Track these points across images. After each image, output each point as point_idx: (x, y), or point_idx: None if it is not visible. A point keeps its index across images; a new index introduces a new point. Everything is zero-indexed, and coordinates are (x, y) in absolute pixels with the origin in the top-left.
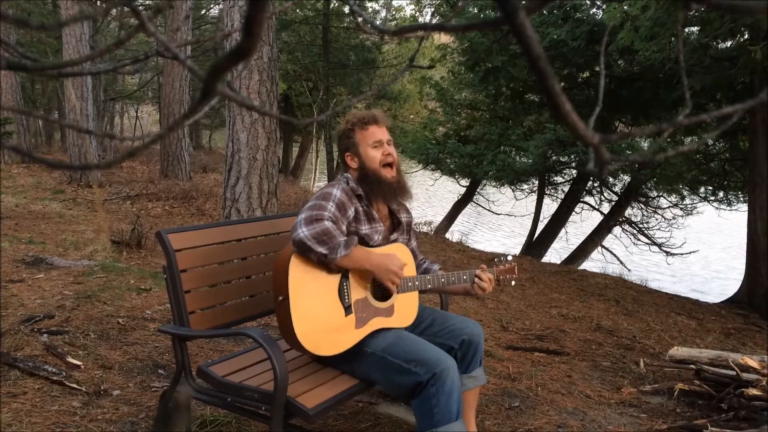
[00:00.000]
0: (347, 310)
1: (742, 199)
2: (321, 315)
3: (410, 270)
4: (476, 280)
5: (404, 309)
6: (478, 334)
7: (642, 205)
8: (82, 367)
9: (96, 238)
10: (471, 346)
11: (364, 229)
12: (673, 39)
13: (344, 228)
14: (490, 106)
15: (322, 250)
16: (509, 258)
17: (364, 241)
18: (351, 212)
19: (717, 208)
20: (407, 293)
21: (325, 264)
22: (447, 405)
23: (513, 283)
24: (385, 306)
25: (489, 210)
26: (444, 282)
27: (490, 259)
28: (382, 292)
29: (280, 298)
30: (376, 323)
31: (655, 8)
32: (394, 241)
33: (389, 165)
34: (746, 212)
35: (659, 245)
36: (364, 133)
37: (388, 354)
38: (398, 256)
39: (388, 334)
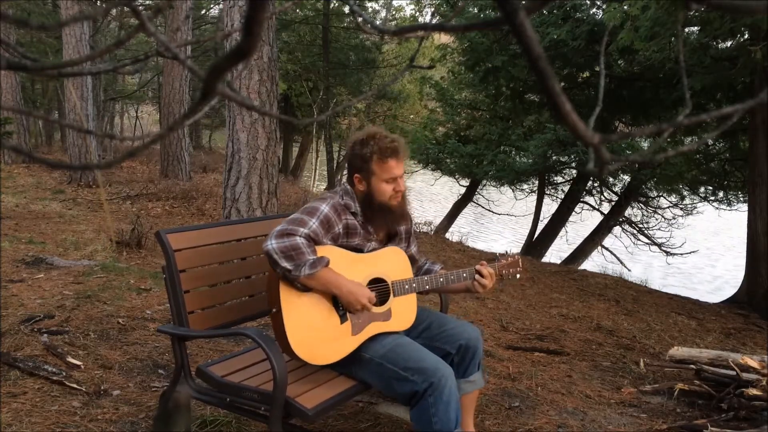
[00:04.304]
0: (342, 317)
1: (742, 199)
2: (316, 324)
3: (406, 272)
4: (476, 276)
5: (402, 312)
6: (476, 339)
7: (642, 205)
8: (82, 367)
9: (96, 238)
10: (468, 352)
11: (357, 240)
12: (673, 39)
13: (327, 244)
14: (490, 106)
15: (287, 265)
16: (512, 252)
17: (359, 249)
18: (338, 228)
19: (717, 208)
20: (405, 296)
21: (289, 280)
22: (446, 414)
23: (518, 276)
24: (381, 310)
25: (489, 210)
26: (443, 282)
27: (491, 258)
28: (379, 297)
29: (274, 309)
30: (374, 328)
31: (655, 8)
32: None
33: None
34: (746, 212)
35: (659, 245)
36: (381, 166)
37: (386, 361)
38: (369, 292)
39: (386, 341)
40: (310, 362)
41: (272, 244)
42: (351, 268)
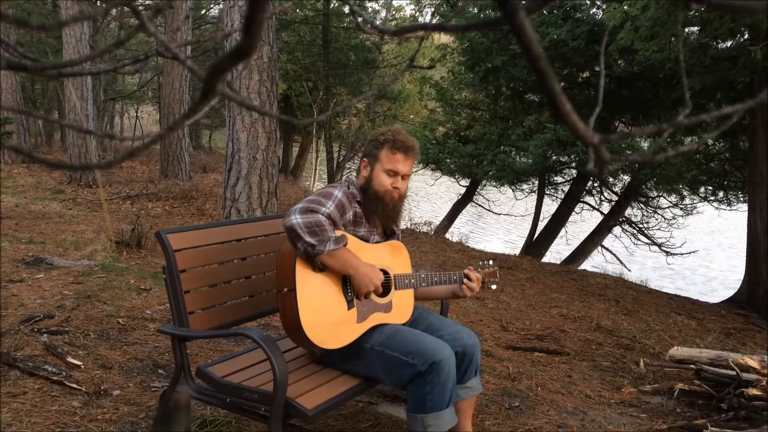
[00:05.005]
0: (350, 303)
1: (742, 199)
2: (326, 308)
3: (407, 267)
4: (465, 280)
5: (401, 306)
6: (473, 345)
7: (642, 205)
8: (82, 367)
9: (96, 238)
10: (465, 358)
11: (362, 231)
12: (673, 39)
13: (341, 228)
14: (490, 106)
15: (311, 240)
16: (490, 262)
17: (364, 239)
18: (349, 215)
19: (717, 208)
20: (404, 290)
21: (309, 256)
22: (440, 394)
23: (494, 287)
24: (384, 302)
25: (489, 210)
26: (436, 281)
27: (492, 258)
28: (382, 288)
29: (286, 289)
30: (376, 318)
31: (655, 8)
32: None
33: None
34: (746, 212)
35: (659, 245)
36: (388, 156)
37: (387, 348)
38: (381, 275)
39: (385, 329)
40: (320, 345)
41: (297, 218)
42: (359, 255)
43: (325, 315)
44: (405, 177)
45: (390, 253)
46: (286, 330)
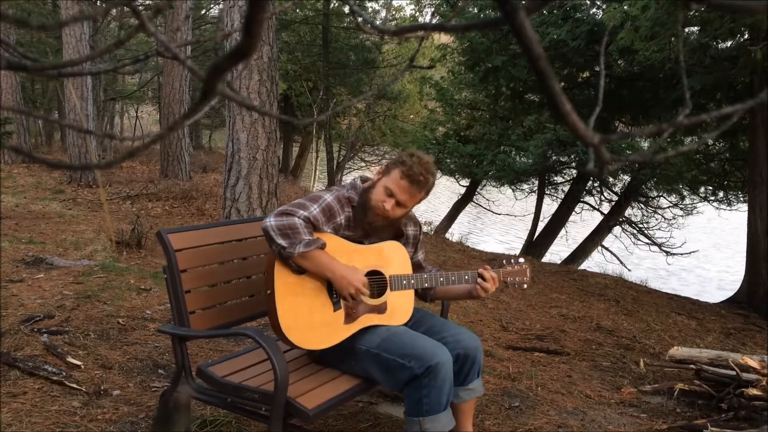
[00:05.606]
0: (336, 305)
1: (742, 199)
2: (308, 309)
3: (405, 268)
4: (479, 280)
5: (398, 307)
6: (475, 348)
7: (642, 205)
8: (82, 367)
9: (96, 238)
10: (467, 361)
11: (358, 234)
12: (673, 39)
13: (326, 231)
14: (490, 106)
15: (282, 242)
16: (521, 260)
17: (359, 242)
18: (340, 219)
19: (717, 208)
20: (402, 291)
21: (283, 258)
22: (437, 397)
23: (525, 286)
24: (377, 303)
25: (489, 210)
26: (443, 281)
27: (492, 258)
28: (376, 289)
29: (268, 291)
30: (367, 320)
31: (655, 8)
32: None
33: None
34: (746, 212)
35: (659, 245)
36: (396, 178)
37: (382, 350)
38: (363, 277)
39: (380, 330)
40: (300, 346)
41: (270, 221)
42: (349, 257)
43: (306, 316)
44: (401, 204)
45: (386, 253)
46: (273, 331)
